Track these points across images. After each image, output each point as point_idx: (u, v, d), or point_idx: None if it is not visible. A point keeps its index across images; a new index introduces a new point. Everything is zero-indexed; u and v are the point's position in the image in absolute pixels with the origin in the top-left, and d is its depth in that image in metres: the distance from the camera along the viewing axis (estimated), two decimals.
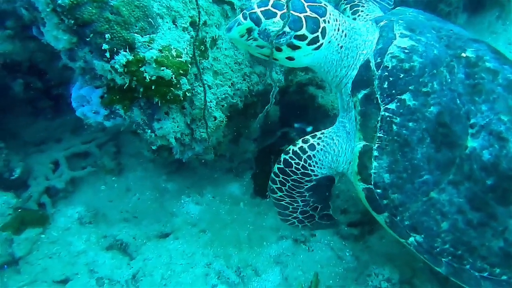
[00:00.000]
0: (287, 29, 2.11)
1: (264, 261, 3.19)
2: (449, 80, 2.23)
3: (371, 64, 2.32)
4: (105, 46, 2.03)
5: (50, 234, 3.29)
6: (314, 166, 2.55)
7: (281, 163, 2.58)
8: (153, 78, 2.15)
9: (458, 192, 2.18)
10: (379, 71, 2.28)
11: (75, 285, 2.97)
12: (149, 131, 2.49)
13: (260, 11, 2.09)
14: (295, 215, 2.84)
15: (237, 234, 3.45)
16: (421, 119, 2.21)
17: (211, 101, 2.57)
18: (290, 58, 2.29)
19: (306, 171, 2.55)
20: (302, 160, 2.53)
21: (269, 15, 2.08)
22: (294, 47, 2.21)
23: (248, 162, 3.98)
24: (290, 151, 2.57)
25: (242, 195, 3.87)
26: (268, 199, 3.76)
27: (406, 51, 2.28)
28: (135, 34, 2.09)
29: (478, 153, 2.16)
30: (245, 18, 2.10)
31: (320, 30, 2.23)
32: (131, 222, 3.62)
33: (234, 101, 2.85)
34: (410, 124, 2.22)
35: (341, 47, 2.39)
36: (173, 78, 2.18)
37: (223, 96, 2.74)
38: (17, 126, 4.05)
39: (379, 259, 2.89)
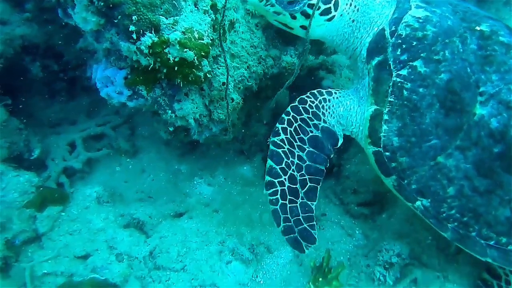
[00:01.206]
0: None
1: (276, 240, 3.31)
2: (461, 50, 2.32)
3: (385, 32, 2.43)
4: (132, 28, 2.11)
5: (70, 212, 3.41)
6: (326, 111, 2.56)
7: (296, 101, 2.58)
8: (176, 60, 2.23)
9: (465, 158, 2.27)
10: (393, 38, 2.39)
11: (95, 260, 3.08)
12: (170, 111, 2.58)
13: None
14: (284, 177, 2.48)
15: (249, 214, 3.56)
16: (431, 85, 2.31)
17: (229, 83, 2.64)
18: (304, 27, 2.36)
19: (317, 112, 2.54)
20: (317, 100, 2.56)
21: None
22: (308, 16, 2.30)
23: (259, 145, 4.07)
24: (308, 93, 2.59)
25: (253, 177, 3.97)
26: None
27: (420, 20, 2.38)
28: (160, 16, 2.17)
29: (486, 120, 2.25)
30: None
31: (333, 2, 2.33)
32: (147, 201, 3.73)
33: (250, 83, 2.93)
34: (421, 90, 2.32)
35: (353, 21, 2.51)
36: (195, 59, 2.27)
37: (240, 78, 2.82)
38: (34, 108, 4.14)
39: (388, 236, 2.99)
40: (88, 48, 3.49)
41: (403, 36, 2.37)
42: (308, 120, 2.53)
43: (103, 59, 2.53)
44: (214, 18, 2.44)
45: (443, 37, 2.34)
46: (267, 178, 2.51)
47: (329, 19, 2.40)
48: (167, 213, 3.60)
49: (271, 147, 2.53)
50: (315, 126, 2.54)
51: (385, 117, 2.37)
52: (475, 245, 2.36)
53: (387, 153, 2.40)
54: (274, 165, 2.49)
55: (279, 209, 2.47)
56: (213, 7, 2.44)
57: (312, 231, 2.49)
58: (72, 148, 3.99)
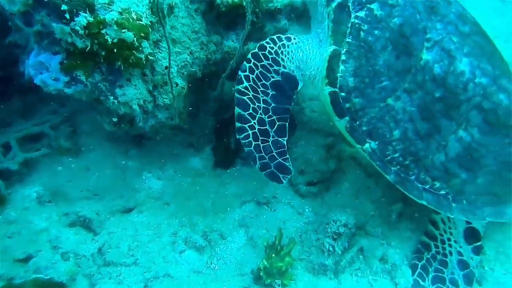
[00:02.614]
0: None
1: (229, 225, 3.33)
2: None
3: None
4: (64, 7, 2.03)
5: (8, 215, 3.20)
6: (285, 56, 2.68)
7: (256, 48, 2.69)
8: (115, 41, 2.18)
9: (411, 101, 2.46)
10: None
11: (38, 261, 2.92)
12: (112, 97, 2.50)
13: None
14: (253, 121, 2.65)
15: (201, 203, 3.55)
16: (385, 28, 2.48)
17: (172, 67, 2.63)
18: None
19: (277, 58, 2.66)
20: (277, 46, 2.67)
21: None
22: None
23: (207, 136, 4.07)
24: (267, 38, 2.68)
25: (204, 168, 3.96)
26: (229, 170, 3.91)
27: None
28: None
29: (431, 66, 2.46)
30: None
31: None
32: (93, 199, 3.59)
33: (193, 69, 2.93)
34: (376, 32, 2.48)
35: None
36: (135, 40, 2.23)
37: (183, 64, 2.81)
38: None
39: (335, 211, 3.12)
40: (18, 42, 3.30)
41: None
42: (268, 66, 2.65)
43: (35, 45, 2.41)
44: (152, 0, 2.42)
45: None
46: (238, 124, 2.64)
47: None
48: (115, 209, 3.49)
49: (236, 95, 2.64)
50: (276, 71, 2.67)
51: (343, 57, 2.51)
52: (413, 188, 2.55)
53: (343, 94, 2.54)
54: (242, 112, 2.63)
55: (253, 150, 2.64)
56: None
57: (287, 163, 2.67)
58: (7, 150, 3.75)
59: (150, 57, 2.41)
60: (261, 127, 2.65)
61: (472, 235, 2.83)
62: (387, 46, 2.47)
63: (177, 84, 2.73)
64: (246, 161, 3.93)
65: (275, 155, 2.66)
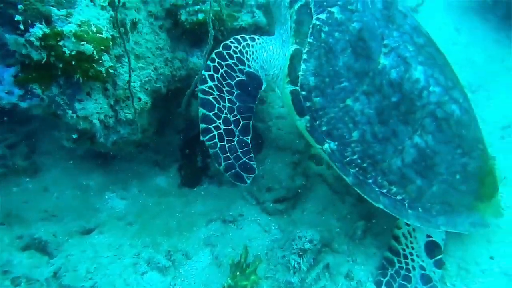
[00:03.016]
0: None
1: (194, 245, 3.24)
2: (370, 6, 2.63)
3: None
4: (18, 18, 1.97)
5: None
6: (250, 56, 2.70)
7: (221, 47, 2.68)
8: (73, 53, 2.13)
9: (369, 103, 2.51)
10: None
11: None
12: (70, 111, 2.42)
13: None
14: (218, 122, 2.62)
15: (166, 223, 3.45)
16: (345, 31, 2.55)
17: (134, 82, 2.58)
18: None
19: (241, 57, 2.67)
20: (241, 45, 2.68)
21: None
22: None
23: (173, 154, 4.00)
24: (232, 38, 2.69)
25: (169, 186, 3.88)
26: (195, 189, 3.85)
27: None
28: (51, 7, 2.06)
29: (388, 71, 2.55)
30: None
31: None
32: (51, 220, 3.41)
33: (158, 85, 2.90)
34: (336, 34, 2.55)
35: None
36: (95, 53, 2.18)
37: (146, 79, 2.77)
38: None
39: (302, 228, 3.10)
40: None
41: None
42: (233, 65, 2.66)
43: None
44: (113, 15, 2.39)
45: None
46: (202, 125, 2.61)
47: None
48: (74, 230, 3.33)
49: (200, 95, 2.61)
50: (240, 71, 2.68)
51: (304, 56, 2.56)
52: (371, 191, 2.59)
53: (303, 92, 2.57)
54: (207, 112, 2.60)
55: (218, 151, 2.61)
56: (111, 3, 2.39)
57: (251, 163, 2.67)
58: None
59: (111, 71, 2.36)
60: (226, 127, 2.64)
61: (433, 248, 2.88)
62: (346, 48, 2.55)
63: (140, 99, 2.68)
64: (213, 179, 3.88)
65: (240, 154, 2.66)
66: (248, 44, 2.70)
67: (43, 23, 2.04)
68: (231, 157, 2.64)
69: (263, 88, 2.77)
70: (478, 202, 2.73)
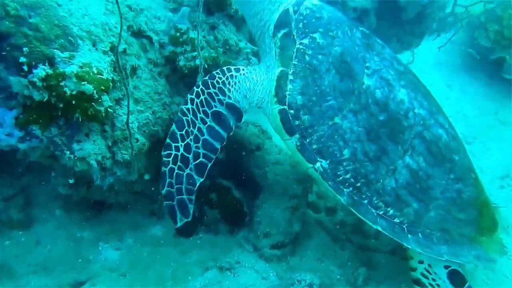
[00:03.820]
0: None
1: None
2: (349, 34, 2.77)
3: (290, 10, 2.81)
4: (22, 59, 2.07)
5: None
6: (232, 87, 2.77)
7: (207, 76, 2.76)
8: (73, 93, 2.20)
9: (357, 121, 2.53)
10: (296, 15, 2.78)
11: None
12: (68, 152, 2.43)
13: None
14: (180, 143, 2.68)
15: (160, 273, 3.33)
16: (328, 54, 2.66)
17: (132, 122, 2.64)
18: None
19: (223, 88, 2.74)
20: (225, 77, 2.76)
21: None
22: None
23: None
24: (218, 70, 2.79)
25: (165, 236, 3.79)
26: (191, 238, 3.75)
27: (317, 6, 2.83)
28: (55, 50, 2.18)
29: (372, 90, 2.62)
30: None
31: None
32: (42, 273, 3.30)
33: (155, 129, 2.95)
34: (320, 56, 2.66)
35: None
36: (95, 93, 2.26)
37: (145, 121, 2.83)
38: None
39: (300, 272, 2.99)
40: None
41: (304, 14, 2.78)
42: (214, 94, 2.74)
43: None
44: (114, 59, 2.52)
45: (336, 21, 2.80)
46: (167, 140, 2.69)
47: None
48: (65, 282, 3.20)
49: (179, 113, 2.73)
50: (220, 101, 2.75)
51: (290, 77, 2.65)
52: (367, 212, 2.52)
53: (291, 111, 2.62)
54: (176, 130, 2.69)
55: (167, 172, 2.64)
56: (113, 49, 2.52)
57: (189, 205, 2.67)
58: None
59: (110, 110, 2.42)
60: (184, 153, 2.67)
61: (458, 279, 2.75)
62: (330, 69, 2.66)
63: (137, 140, 2.72)
64: (209, 227, 3.80)
65: (183, 189, 2.67)
66: (232, 75, 2.81)
67: (46, 64, 2.14)
68: (174, 186, 2.65)
69: (242, 121, 2.85)
70: (478, 236, 2.66)
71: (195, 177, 2.69)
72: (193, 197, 2.68)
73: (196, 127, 2.70)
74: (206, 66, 2.91)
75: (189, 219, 2.67)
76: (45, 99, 2.18)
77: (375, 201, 2.57)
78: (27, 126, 2.33)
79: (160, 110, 2.98)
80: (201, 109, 2.72)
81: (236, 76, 2.81)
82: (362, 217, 2.57)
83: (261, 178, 3.94)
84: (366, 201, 2.57)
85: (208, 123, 2.73)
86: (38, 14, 2.15)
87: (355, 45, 2.75)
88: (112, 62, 2.50)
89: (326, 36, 2.73)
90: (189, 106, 2.71)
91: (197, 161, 2.69)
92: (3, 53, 2.10)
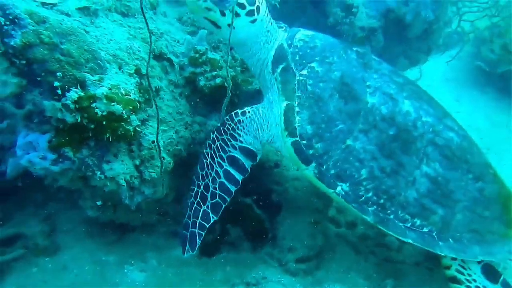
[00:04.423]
0: None
1: None
2: (345, 57, 2.84)
3: (284, 45, 2.90)
4: (56, 83, 2.19)
5: None
6: (241, 131, 2.88)
7: (219, 123, 2.96)
8: (104, 114, 2.30)
9: (368, 140, 2.56)
10: (291, 49, 2.86)
11: None
12: (99, 172, 2.52)
13: None
14: (201, 182, 2.93)
15: None
16: (328, 80, 2.72)
17: (159, 141, 2.72)
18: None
19: (234, 133, 2.88)
20: (233, 122, 2.88)
21: None
22: (236, 14, 2.63)
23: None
24: (227, 115, 2.91)
25: (189, 256, 3.79)
26: (215, 257, 3.77)
27: (309, 36, 2.92)
28: (86, 74, 2.29)
29: (377, 107, 2.66)
30: None
31: (255, 5, 2.71)
32: None
33: (179, 148, 3.03)
34: (321, 84, 2.72)
35: (268, 31, 2.92)
36: (124, 113, 2.36)
37: (169, 141, 2.92)
38: None
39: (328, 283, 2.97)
40: (2, 143, 3.33)
41: (299, 47, 2.85)
42: (227, 140, 2.90)
43: (23, 129, 2.48)
44: (139, 81, 2.63)
45: (330, 47, 2.88)
46: (194, 177, 2.98)
47: (253, 21, 2.76)
48: None
49: (202, 155, 2.97)
50: (233, 146, 2.90)
51: (296, 108, 2.70)
52: (395, 227, 2.51)
53: (304, 141, 2.67)
54: (199, 170, 2.96)
55: (189, 204, 2.94)
56: (138, 71, 2.64)
57: (198, 240, 2.90)
58: None
59: (138, 129, 2.51)
60: (204, 191, 2.91)
61: (492, 272, 2.74)
62: (333, 95, 2.72)
63: (163, 158, 2.80)
64: (232, 245, 3.80)
65: (197, 223, 2.89)
66: (239, 120, 2.92)
67: (78, 87, 2.25)
68: (191, 218, 2.91)
69: (257, 160, 2.98)
70: (508, 230, 2.65)
71: (211, 214, 2.89)
72: (203, 233, 2.89)
73: (214, 170, 2.90)
74: (225, 84, 3.01)
75: (194, 252, 2.92)
76: (78, 120, 2.27)
77: (401, 215, 2.59)
78: (59, 148, 2.42)
79: (183, 130, 3.08)
80: (217, 154, 2.91)
81: (242, 121, 2.92)
82: (391, 233, 2.58)
83: (282, 194, 3.97)
84: (392, 216, 2.58)
85: (225, 167, 2.90)
86: (69, 41, 2.28)
87: (352, 67, 2.82)
88: (137, 84, 2.61)
89: (323, 63, 2.80)
90: (208, 150, 2.92)
91: (214, 200, 2.90)
92: (38, 78, 2.22)
